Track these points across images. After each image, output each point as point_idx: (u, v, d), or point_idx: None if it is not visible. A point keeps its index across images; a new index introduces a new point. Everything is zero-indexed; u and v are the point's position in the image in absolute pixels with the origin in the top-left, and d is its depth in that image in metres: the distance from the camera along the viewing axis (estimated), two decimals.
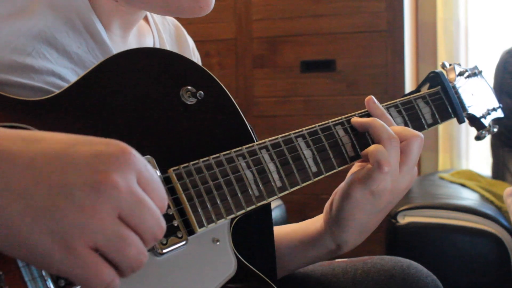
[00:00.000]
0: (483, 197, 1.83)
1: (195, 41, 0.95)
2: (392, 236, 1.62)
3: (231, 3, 2.28)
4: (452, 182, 2.00)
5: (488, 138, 2.19)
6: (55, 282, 0.51)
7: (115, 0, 0.71)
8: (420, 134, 0.77)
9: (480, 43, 2.54)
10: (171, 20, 0.90)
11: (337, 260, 0.91)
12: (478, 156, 2.52)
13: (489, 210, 1.64)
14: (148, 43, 0.83)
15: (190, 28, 2.18)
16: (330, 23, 2.21)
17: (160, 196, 0.50)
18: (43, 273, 0.51)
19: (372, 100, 0.80)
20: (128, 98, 0.64)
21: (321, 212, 0.86)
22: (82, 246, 0.45)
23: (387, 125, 0.77)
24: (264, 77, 2.27)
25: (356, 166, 0.80)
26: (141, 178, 0.48)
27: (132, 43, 0.79)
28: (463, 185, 1.95)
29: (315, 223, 0.84)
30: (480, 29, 2.54)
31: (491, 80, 2.18)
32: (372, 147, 0.75)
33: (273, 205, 1.93)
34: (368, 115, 0.81)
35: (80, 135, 0.49)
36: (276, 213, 1.92)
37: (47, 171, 0.46)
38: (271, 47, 2.26)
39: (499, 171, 2.18)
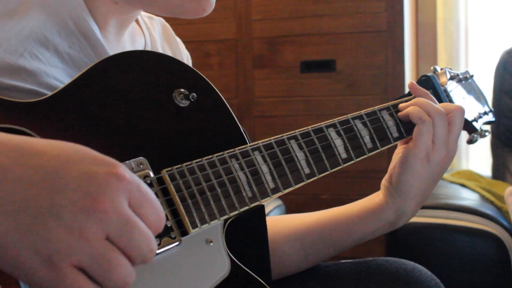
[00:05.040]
0: (483, 197, 1.83)
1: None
2: (392, 236, 1.62)
3: (231, 3, 2.27)
4: (452, 182, 1.99)
5: (488, 138, 2.19)
6: None
7: (114, 2, 0.72)
8: (462, 106, 0.85)
9: (480, 43, 2.54)
10: (158, 18, 0.90)
11: (341, 261, 0.92)
12: (478, 156, 2.52)
13: (489, 210, 1.64)
14: (140, 42, 0.83)
15: (190, 28, 2.19)
16: (330, 23, 2.20)
17: (156, 214, 0.50)
18: None
19: (414, 84, 0.88)
20: (122, 99, 0.65)
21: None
22: (67, 265, 0.45)
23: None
24: (264, 77, 2.26)
25: (400, 148, 0.88)
26: (133, 200, 0.48)
27: (126, 41, 0.80)
28: (463, 185, 1.95)
29: (372, 199, 0.88)
30: (480, 29, 2.54)
31: (491, 80, 2.18)
32: (411, 108, 0.83)
33: (272, 205, 1.94)
34: (363, 116, 0.81)
35: (76, 146, 0.49)
36: (275, 213, 1.93)
37: (36, 190, 0.46)
38: (271, 47, 2.26)
39: (499, 171, 2.18)
